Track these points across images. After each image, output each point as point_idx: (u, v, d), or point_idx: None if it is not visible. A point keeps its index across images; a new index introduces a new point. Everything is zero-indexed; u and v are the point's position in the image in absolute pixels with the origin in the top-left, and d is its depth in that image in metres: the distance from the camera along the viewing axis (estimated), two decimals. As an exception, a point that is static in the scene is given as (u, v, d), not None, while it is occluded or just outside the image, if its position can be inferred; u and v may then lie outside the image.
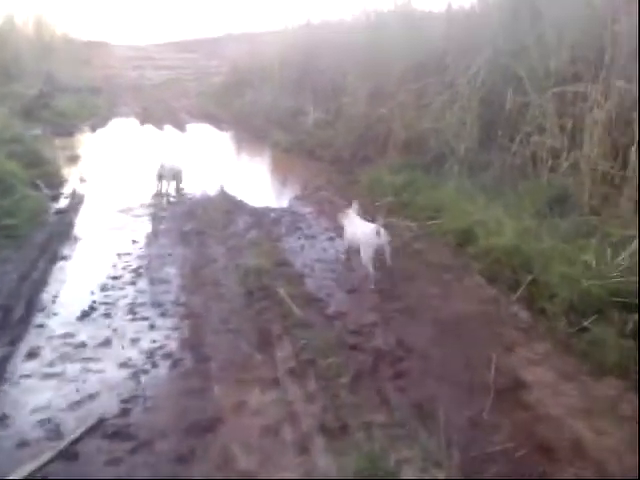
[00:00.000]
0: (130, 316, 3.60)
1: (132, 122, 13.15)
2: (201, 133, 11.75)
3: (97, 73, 20.71)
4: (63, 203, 6.26)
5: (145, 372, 2.94)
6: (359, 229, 4.24)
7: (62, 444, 2.39)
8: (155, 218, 5.68)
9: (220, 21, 41.23)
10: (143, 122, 12.86)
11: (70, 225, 5.46)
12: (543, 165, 5.02)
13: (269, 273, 4.04)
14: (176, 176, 6.90)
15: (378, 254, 4.44)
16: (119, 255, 4.68)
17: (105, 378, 2.91)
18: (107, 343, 3.27)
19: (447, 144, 6.21)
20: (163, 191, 6.75)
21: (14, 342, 3.25)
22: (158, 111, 14.62)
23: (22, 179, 6.39)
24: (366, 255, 4.38)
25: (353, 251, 4.62)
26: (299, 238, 5.00)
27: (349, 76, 9.24)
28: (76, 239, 5.10)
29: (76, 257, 4.68)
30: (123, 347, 3.23)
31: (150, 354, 3.13)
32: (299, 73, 12.50)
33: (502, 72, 5.87)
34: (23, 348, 3.20)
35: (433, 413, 2.43)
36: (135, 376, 2.91)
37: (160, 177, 6.82)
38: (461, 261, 4.16)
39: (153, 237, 5.12)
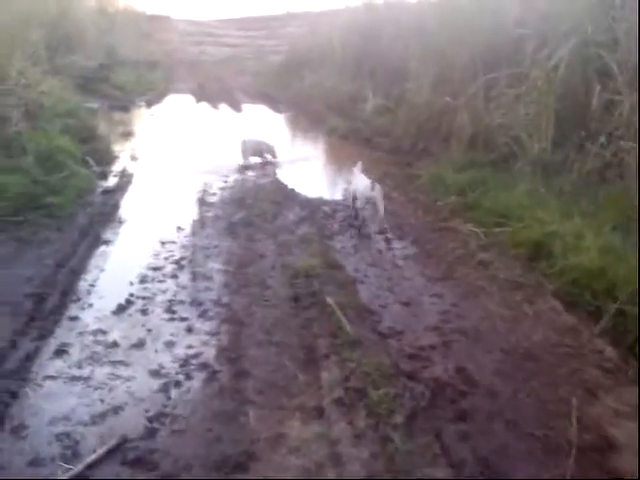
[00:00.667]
0: (167, 315, 3.34)
1: (188, 99, 13.02)
2: (257, 114, 11.47)
3: (157, 47, 20.75)
4: (111, 182, 6.09)
5: (177, 385, 2.67)
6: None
7: (77, 468, 2.13)
8: (204, 204, 5.42)
9: (282, -1, 40.80)
10: (199, 100, 12.71)
11: (116, 206, 5.26)
12: (630, 171, 4.49)
13: (319, 277, 3.70)
14: (268, 151, 7.03)
15: (438, 262, 4.09)
16: (163, 243, 4.45)
17: (133, 388, 2.65)
18: (140, 345, 3.01)
19: (518, 142, 5.71)
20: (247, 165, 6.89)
21: (43, 337, 3.03)
22: (215, 89, 14.47)
23: (73, 155, 6.26)
24: (425, 261, 4.04)
25: (410, 255, 4.27)
26: (352, 237, 4.65)
27: (412, 61, 8.73)
28: (120, 222, 4.90)
29: (118, 242, 4.47)
30: (156, 351, 2.97)
31: (184, 362, 2.85)
32: (358, 55, 12.04)
33: (585, 65, 5.32)
34: (52, 344, 2.98)
35: (503, 471, 2.06)
36: (166, 388, 2.64)
37: (245, 153, 7.01)
38: (533, 279, 3.72)
39: (199, 225, 4.86)
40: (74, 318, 3.26)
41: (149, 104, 11.90)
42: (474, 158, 5.98)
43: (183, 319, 3.29)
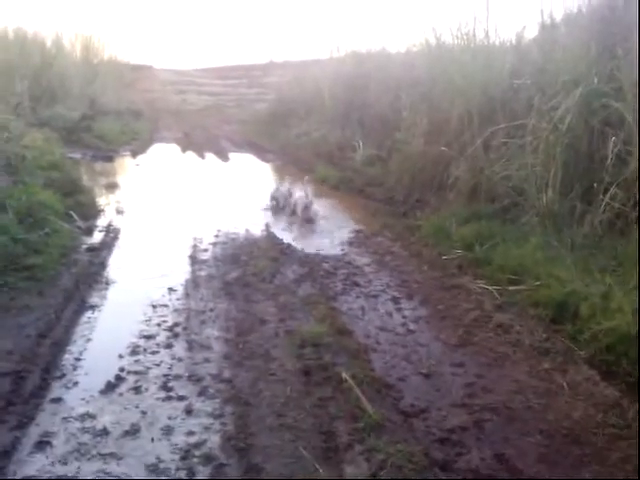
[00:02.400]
0: (163, 393, 2.99)
1: (173, 148, 12.85)
2: (244, 164, 11.30)
3: (140, 97, 20.74)
4: (97, 238, 5.76)
5: (179, 484, 2.31)
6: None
7: None
8: (195, 262, 5.12)
9: (263, 48, 41.57)
10: (184, 149, 12.53)
11: (102, 266, 4.93)
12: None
13: (328, 346, 3.39)
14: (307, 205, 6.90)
15: (453, 325, 3.80)
16: (154, 307, 4.11)
17: (127, 491, 2.28)
18: (134, 432, 2.65)
19: (522, 193, 5.54)
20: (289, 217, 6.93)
21: (23, 425, 2.66)
22: (200, 138, 14.34)
23: (56, 210, 5.97)
24: (439, 324, 3.76)
25: (422, 317, 3.98)
26: (358, 297, 4.35)
27: (403, 110, 8.65)
28: (107, 283, 4.56)
29: (106, 307, 4.12)
30: (153, 440, 2.61)
31: (185, 454, 2.50)
32: (346, 105, 12.01)
33: (590, 115, 5.20)
34: (33, 434, 2.61)
35: None
36: (166, 490, 2.28)
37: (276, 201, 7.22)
38: (560, 344, 3.43)
39: (192, 286, 4.54)
40: (58, 400, 2.89)
41: (134, 154, 11.68)
42: (477, 209, 5.78)
43: (181, 398, 2.94)
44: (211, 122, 18.12)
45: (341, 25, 24.25)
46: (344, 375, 2.97)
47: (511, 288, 4.19)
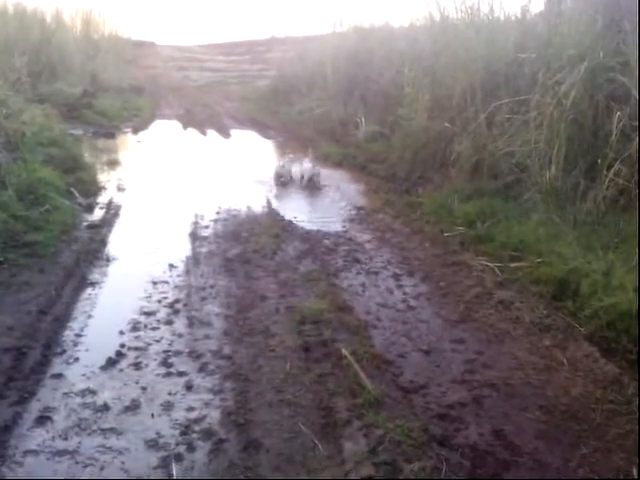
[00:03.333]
0: (163, 369, 3.00)
1: (175, 125, 12.76)
2: (246, 140, 11.22)
3: (142, 73, 20.60)
4: (98, 215, 5.74)
5: (178, 459, 2.32)
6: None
7: None
8: (196, 238, 5.10)
9: (265, 24, 41.10)
10: (186, 126, 12.44)
11: (103, 242, 4.92)
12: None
13: (328, 322, 3.39)
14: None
15: (454, 301, 3.79)
16: (154, 283, 4.11)
17: (128, 464, 2.29)
18: (134, 408, 2.66)
19: (525, 169, 5.49)
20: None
21: (24, 400, 2.67)
22: (201, 114, 14.24)
23: (56, 187, 5.94)
24: (440, 301, 3.75)
25: (423, 294, 3.97)
26: (359, 273, 4.34)
27: (406, 86, 8.54)
28: (108, 260, 4.56)
29: (106, 284, 4.12)
30: (153, 415, 2.62)
31: (185, 429, 2.51)
32: (349, 81, 11.89)
33: (595, 90, 5.13)
34: (33, 409, 2.62)
35: None
36: (164, 464, 2.29)
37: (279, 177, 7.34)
38: (561, 321, 3.42)
39: (193, 262, 4.53)
40: (58, 376, 2.90)
41: (135, 130, 11.61)
42: (479, 186, 5.73)
43: (181, 374, 2.95)
44: (213, 99, 17.98)
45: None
46: (344, 351, 2.98)
47: (512, 265, 4.17)
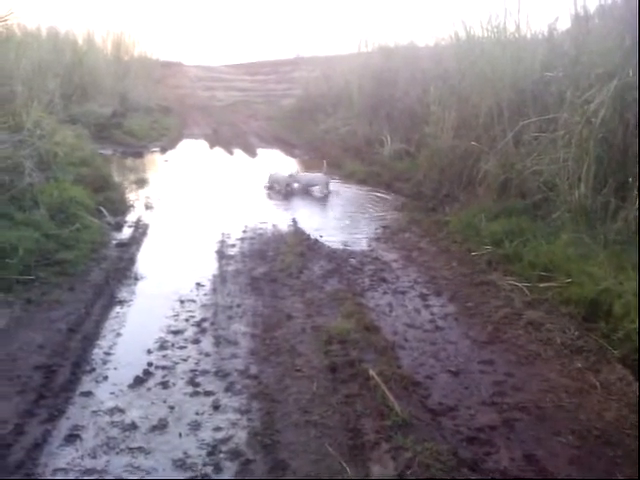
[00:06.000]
0: (190, 388, 3.01)
1: (201, 144, 12.92)
2: (272, 159, 11.30)
3: (170, 93, 20.97)
4: (126, 233, 5.82)
5: (206, 480, 2.31)
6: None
7: None
8: (223, 257, 5.14)
9: (291, 44, 41.61)
10: (212, 145, 12.60)
11: (131, 261, 4.98)
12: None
13: (355, 342, 3.37)
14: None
15: (482, 322, 3.75)
16: (182, 302, 4.14)
17: (155, 485, 2.30)
18: (162, 427, 2.67)
19: (553, 188, 5.43)
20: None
21: (53, 418, 2.70)
22: (228, 134, 14.41)
23: (87, 206, 6.06)
24: (468, 321, 3.70)
25: (451, 314, 3.93)
26: (385, 293, 4.32)
27: (432, 105, 8.54)
28: (136, 278, 4.60)
29: (135, 302, 4.16)
30: (180, 435, 2.62)
31: (213, 450, 2.50)
32: (374, 99, 11.93)
33: (624, 108, 5.07)
34: (63, 427, 2.65)
35: None
36: (193, 485, 2.29)
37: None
38: (593, 342, 3.36)
39: (220, 281, 4.56)
40: (87, 394, 2.93)
41: (163, 150, 11.79)
42: (507, 205, 5.68)
43: (208, 393, 2.96)
44: (239, 118, 18.20)
45: (369, 19, 24.09)
46: (371, 372, 2.96)
47: (542, 285, 4.11)
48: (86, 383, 3.04)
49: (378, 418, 2.63)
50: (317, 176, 8.06)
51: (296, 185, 8.07)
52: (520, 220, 5.16)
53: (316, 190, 8.00)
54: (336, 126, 12.46)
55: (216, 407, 2.84)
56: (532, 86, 6.70)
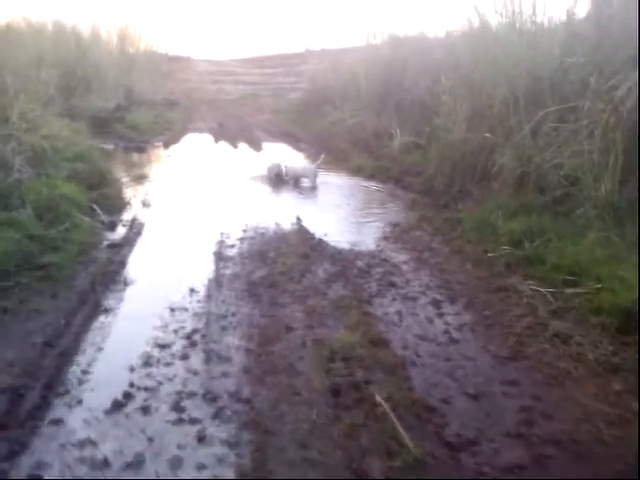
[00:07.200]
0: (174, 414, 2.66)
1: (206, 138, 12.57)
2: (278, 153, 10.91)
3: (177, 87, 20.65)
4: (119, 233, 5.48)
5: (183, 534, 1.96)
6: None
7: None
8: (220, 259, 4.78)
9: (300, 37, 41.18)
10: (217, 139, 12.24)
11: (122, 264, 4.63)
12: None
13: (361, 359, 3.00)
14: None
15: (503, 334, 3.37)
16: (172, 310, 3.79)
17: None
18: (137, 464, 2.32)
19: (575, 183, 5.02)
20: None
21: (13, 454, 2.36)
22: (233, 127, 14.05)
23: (79, 203, 5.72)
24: (486, 333, 3.33)
25: (467, 324, 3.56)
26: (394, 299, 3.95)
27: (443, 95, 8.12)
28: (126, 283, 4.26)
29: (121, 310, 3.81)
30: (158, 474, 2.27)
31: (194, 494, 2.15)
32: (382, 91, 11.51)
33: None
34: (24, 465, 2.30)
35: None
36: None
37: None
38: (630, 359, 2.97)
39: (215, 286, 4.20)
40: (57, 422, 2.59)
41: (166, 144, 11.44)
42: (525, 201, 5.28)
43: (193, 421, 2.60)
44: (246, 111, 17.84)
45: (378, 11, 23.60)
46: (378, 398, 2.58)
47: (568, 291, 3.72)
48: (57, 409, 2.69)
49: (386, 456, 2.27)
50: (306, 168, 8.04)
51: (286, 177, 7.98)
52: (541, 218, 4.76)
53: (305, 182, 7.87)
54: (343, 118, 12.03)
55: (201, 439, 2.49)
56: (550, 74, 6.28)
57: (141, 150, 10.85)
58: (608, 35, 5.75)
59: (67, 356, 3.15)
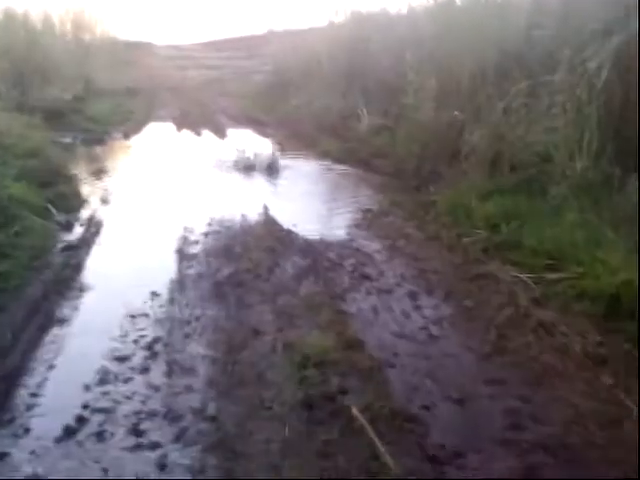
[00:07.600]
0: (132, 439, 2.41)
1: (169, 127, 12.15)
2: (242, 139, 10.59)
3: (138, 74, 19.99)
4: (76, 234, 5.16)
5: None
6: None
7: None
8: (184, 257, 4.52)
9: (263, 18, 40.49)
10: (180, 127, 11.83)
11: (78, 268, 4.33)
12: None
13: (335, 364, 2.79)
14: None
15: (484, 326, 3.19)
16: (132, 317, 3.53)
17: None
18: (90, 502, 2.08)
19: (550, 161, 4.87)
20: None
21: (-52, 499, 2.10)
22: (197, 114, 13.63)
23: (31, 204, 5.36)
24: (467, 326, 3.15)
25: (446, 318, 3.37)
26: (369, 293, 3.74)
27: (409, 74, 7.89)
28: (82, 290, 3.97)
29: (76, 321, 3.54)
30: (113, 513, 2.04)
31: (152, 536, 1.92)
32: (347, 71, 11.24)
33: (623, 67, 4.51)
34: (-41, 512, 2.05)
35: None
36: None
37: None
38: (619, 349, 2.82)
39: (179, 288, 3.95)
40: (1, 456, 2.33)
41: (127, 135, 11.00)
42: (499, 182, 5.11)
43: (154, 446, 2.36)
44: (209, 97, 17.36)
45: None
46: (354, 411, 2.37)
47: (549, 277, 3.56)
48: (1, 440, 2.43)
49: (365, 475, 2.06)
50: (265, 154, 7.89)
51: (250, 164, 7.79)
52: (515, 198, 4.60)
53: (264, 168, 7.65)
54: (308, 101, 11.75)
55: (162, 466, 2.25)
56: (517, 47, 6.11)
57: (101, 142, 10.40)
58: (575, 7, 5.59)
59: (14, 378, 2.88)
